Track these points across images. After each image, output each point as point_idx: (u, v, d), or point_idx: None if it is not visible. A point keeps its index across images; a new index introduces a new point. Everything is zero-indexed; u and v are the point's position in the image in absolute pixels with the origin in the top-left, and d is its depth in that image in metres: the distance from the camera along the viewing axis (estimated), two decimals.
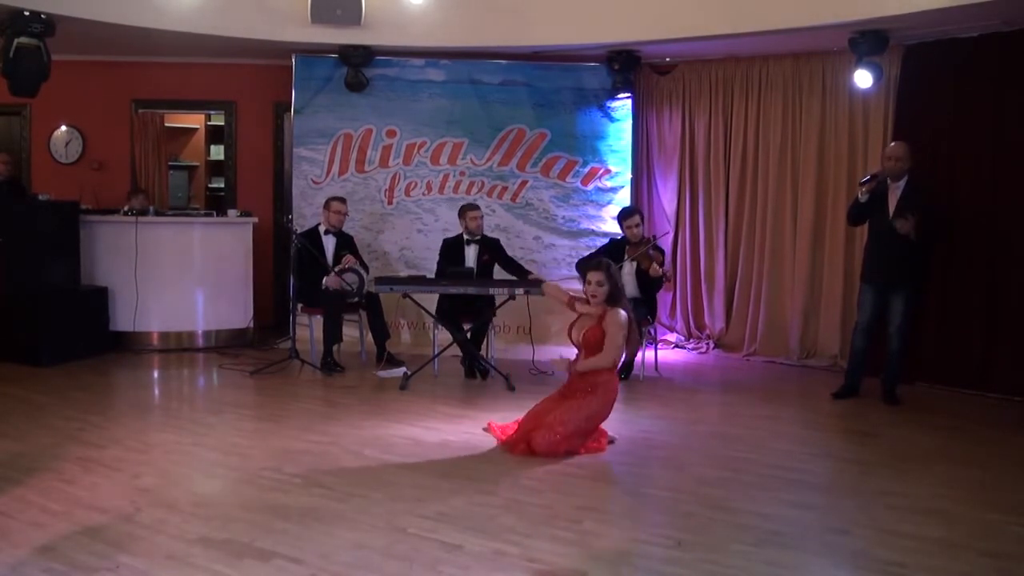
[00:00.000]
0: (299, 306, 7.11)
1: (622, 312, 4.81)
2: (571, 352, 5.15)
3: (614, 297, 4.84)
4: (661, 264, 6.69)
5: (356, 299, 6.93)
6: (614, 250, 7.01)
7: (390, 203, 7.97)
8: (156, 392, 6.47)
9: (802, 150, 7.53)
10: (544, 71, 7.95)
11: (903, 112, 6.82)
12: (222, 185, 9.60)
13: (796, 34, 6.69)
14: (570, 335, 5.02)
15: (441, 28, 7.43)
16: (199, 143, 11.07)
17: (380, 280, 6.73)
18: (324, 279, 6.85)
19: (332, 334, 6.84)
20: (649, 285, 6.85)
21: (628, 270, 6.85)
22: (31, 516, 3.65)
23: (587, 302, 4.91)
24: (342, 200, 7.26)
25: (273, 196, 8.89)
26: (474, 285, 6.55)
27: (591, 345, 4.84)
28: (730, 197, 7.96)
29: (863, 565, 3.37)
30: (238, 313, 7.80)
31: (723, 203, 7.98)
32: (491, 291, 6.54)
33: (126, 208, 7.66)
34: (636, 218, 6.91)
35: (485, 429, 5.11)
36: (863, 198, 5.91)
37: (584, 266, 5.19)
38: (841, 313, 7.23)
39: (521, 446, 4.66)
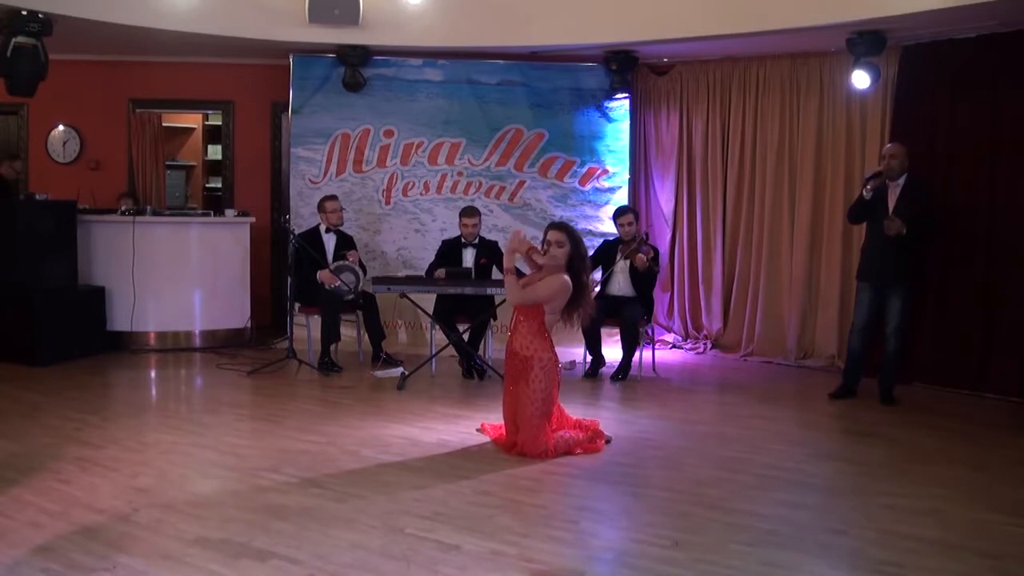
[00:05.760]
0: (296, 306, 7.11)
1: (565, 276, 4.69)
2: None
3: (573, 262, 4.72)
4: (647, 255, 6.68)
5: (352, 298, 6.93)
6: (608, 250, 7.04)
7: (388, 203, 7.96)
8: (153, 392, 6.47)
9: (799, 151, 7.54)
10: (542, 71, 7.95)
11: (901, 113, 6.83)
12: (219, 185, 9.59)
13: (793, 35, 6.70)
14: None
15: (439, 28, 7.43)
16: (196, 143, 11.08)
17: (378, 280, 6.73)
18: (318, 272, 6.85)
19: (329, 334, 6.84)
20: (644, 282, 6.86)
21: (622, 267, 6.88)
22: (28, 516, 3.64)
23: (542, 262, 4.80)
24: (333, 197, 7.25)
25: (271, 196, 8.89)
26: (471, 285, 6.56)
27: (528, 309, 4.76)
28: (728, 197, 7.96)
29: (860, 565, 3.37)
30: (235, 313, 7.79)
31: (721, 203, 7.98)
32: (489, 291, 6.55)
33: (122, 209, 7.65)
34: (629, 216, 6.94)
35: (479, 430, 5.12)
36: (868, 195, 5.91)
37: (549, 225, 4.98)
38: (838, 313, 7.24)
39: (515, 450, 4.69)
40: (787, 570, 3.30)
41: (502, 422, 4.98)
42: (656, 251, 6.96)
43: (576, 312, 4.82)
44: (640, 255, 6.65)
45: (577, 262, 4.76)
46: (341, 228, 7.24)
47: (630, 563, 3.33)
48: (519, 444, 4.66)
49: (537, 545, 3.45)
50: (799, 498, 4.10)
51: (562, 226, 4.85)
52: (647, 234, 7.35)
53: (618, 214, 7.05)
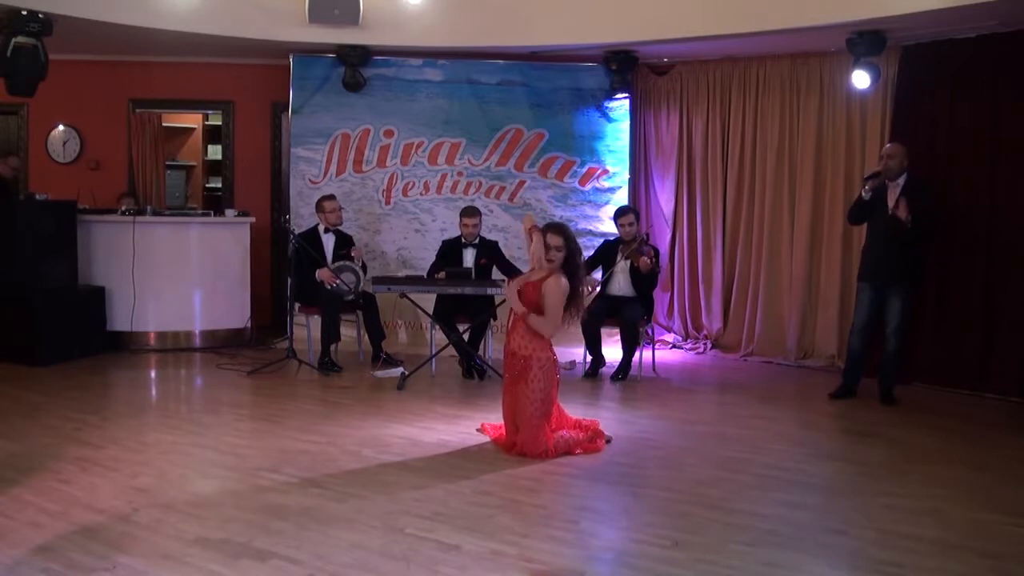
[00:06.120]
0: (296, 306, 7.11)
1: (563, 279, 4.73)
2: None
3: (568, 264, 4.77)
4: (649, 256, 6.68)
5: (352, 298, 6.93)
6: (608, 250, 7.04)
7: (388, 203, 7.96)
8: (153, 392, 6.47)
9: (799, 151, 7.53)
10: (542, 71, 7.95)
11: (901, 113, 6.82)
12: (219, 185, 9.59)
13: (793, 34, 6.69)
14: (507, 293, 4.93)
15: (439, 28, 7.43)
16: (196, 143, 11.08)
17: (378, 280, 6.73)
18: (317, 271, 6.84)
19: (329, 334, 6.84)
20: (644, 283, 6.86)
21: (622, 268, 6.88)
22: (28, 516, 3.64)
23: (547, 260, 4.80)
24: (331, 197, 7.25)
25: (271, 196, 8.89)
26: (471, 285, 6.56)
27: (523, 303, 4.78)
28: (728, 197, 7.96)
29: (860, 565, 3.38)
30: (235, 313, 7.79)
31: (721, 203, 7.98)
32: (489, 291, 6.55)
33: (123, 209, 7.65)
34: (630, 216, 6.95)
35: (479, 430, 5.12)
36: (867, 195, 5.92)
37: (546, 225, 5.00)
38: (838, 313, 7.23)
39: (515, 450, 4.69)
40: (787, 570, 3.30)
41: (502, 422, 4.98)
42: (656, 251, 6.96)
43: (569, 311, 4.84)
44: (644, 258, 6.65)
45: (572, 264, 4.80)
46: (340, 228, 7.24)
47: (630, 563, 3.33)
48: (519, 444, 4.66)
49: (537, 545, 3.46)
50: (799, 498, 4.10)
51: (560, 229, 4.85)
52: (647, 234, 7.36)
53: (619, 214, 7.05)
